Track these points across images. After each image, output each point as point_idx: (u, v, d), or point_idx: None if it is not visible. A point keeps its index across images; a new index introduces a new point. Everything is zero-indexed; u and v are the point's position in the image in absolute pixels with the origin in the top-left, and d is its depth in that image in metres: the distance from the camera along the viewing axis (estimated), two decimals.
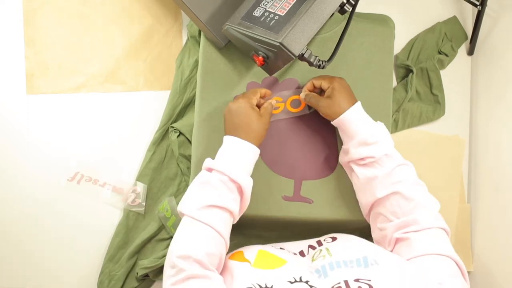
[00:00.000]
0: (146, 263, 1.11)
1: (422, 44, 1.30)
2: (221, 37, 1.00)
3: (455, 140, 1.32)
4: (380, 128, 0.98)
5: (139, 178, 1.15)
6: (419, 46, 1.30)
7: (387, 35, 1.14)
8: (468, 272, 1.27)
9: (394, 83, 1.29)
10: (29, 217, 1.13)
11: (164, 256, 1.10)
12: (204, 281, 0.75)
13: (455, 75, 1.33)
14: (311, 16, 0.85)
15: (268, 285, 0.73)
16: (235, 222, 0.90)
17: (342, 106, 0.97)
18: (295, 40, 0.85)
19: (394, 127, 1.27)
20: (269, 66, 0.91)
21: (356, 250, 0.81)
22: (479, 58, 1.32)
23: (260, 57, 0.88)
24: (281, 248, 0.90)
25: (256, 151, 0.92)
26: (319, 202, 1.08)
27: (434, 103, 1.30)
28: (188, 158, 1.14)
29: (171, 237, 1.13)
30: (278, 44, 0.84)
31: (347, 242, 0.88)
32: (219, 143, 0.94)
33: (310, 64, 0.89)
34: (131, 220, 1.15)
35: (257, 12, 0.90)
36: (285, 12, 0.87)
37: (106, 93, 1.18)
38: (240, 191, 0.88)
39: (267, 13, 0.89)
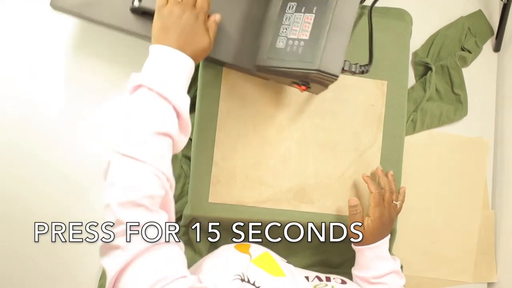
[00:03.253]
0: None
1: (443, 40, 1.23)
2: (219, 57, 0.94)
3: (479, 142, 1.25)
4: (392, 269, 0.95)
5: None
6: (440, 42, 1.23)
7: (403, 29, 1.08)
8: (492, 283, 1.21)
9: (412, 81, 1.23)
10: (28, 219, 1.11)
11: None
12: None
13: (479, 72, 1.26)
14: (336, 28, 0.77)
15: (256, 285, 0.68)
16: (176, 149, 0.75)
17: (370, 238, 0.95)
18: (332, 60, 0.77)
19: (412, 128, 1.21)
20: (312, 89, 0.85)
21: None
22: (506, 55, 1.25)
23: (303, 86, 0.82)
24: (288, 262, 0.86)
25: (192, 66, 0.77)
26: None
27: (456, 103, 1.23)
28: None
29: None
30: (315, 72, 0.77)
31: None
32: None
33: (353, 73, 0.82)
34: None
35: (280, 44, 0.83)
36: (308, 34, 0.80)
37: (109, 92, 1.15)
38: (177, 112, 0.73)
39: (291, 41, 0.82)
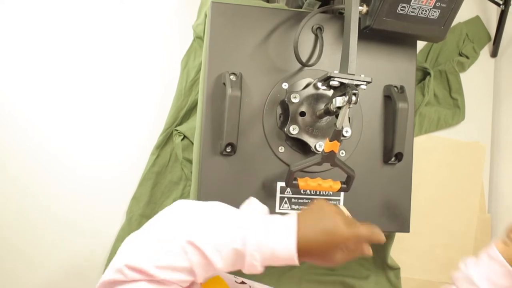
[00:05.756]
0: None
1: (441, 46, 1.24)
2: None
3: (476, 147, 1.26)
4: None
5: (142, 182, 1.12)
6: (438, 48, 1.24)
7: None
8: None
9: None
10: (29, 220, 1.11)
11: None
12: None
13: (476, 78, 1.27)
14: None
15: None
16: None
17: None
18: None
19: None
20: None
21: None
22: (503, 60, 1.26)
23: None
24: (242, 282, 0.83)
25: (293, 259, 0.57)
26: None
27: (453, 107, 1.24)
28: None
29: None
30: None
31: None
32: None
33: None
34: (133, 225, 1.12)
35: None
36: None
37: (110, 94, 1.15)
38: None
39: None
